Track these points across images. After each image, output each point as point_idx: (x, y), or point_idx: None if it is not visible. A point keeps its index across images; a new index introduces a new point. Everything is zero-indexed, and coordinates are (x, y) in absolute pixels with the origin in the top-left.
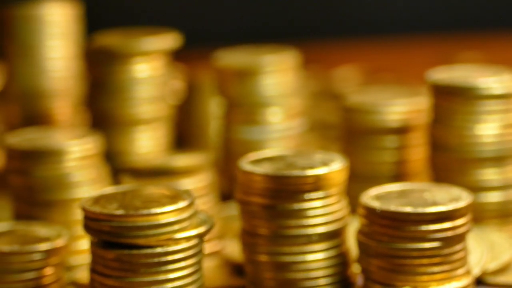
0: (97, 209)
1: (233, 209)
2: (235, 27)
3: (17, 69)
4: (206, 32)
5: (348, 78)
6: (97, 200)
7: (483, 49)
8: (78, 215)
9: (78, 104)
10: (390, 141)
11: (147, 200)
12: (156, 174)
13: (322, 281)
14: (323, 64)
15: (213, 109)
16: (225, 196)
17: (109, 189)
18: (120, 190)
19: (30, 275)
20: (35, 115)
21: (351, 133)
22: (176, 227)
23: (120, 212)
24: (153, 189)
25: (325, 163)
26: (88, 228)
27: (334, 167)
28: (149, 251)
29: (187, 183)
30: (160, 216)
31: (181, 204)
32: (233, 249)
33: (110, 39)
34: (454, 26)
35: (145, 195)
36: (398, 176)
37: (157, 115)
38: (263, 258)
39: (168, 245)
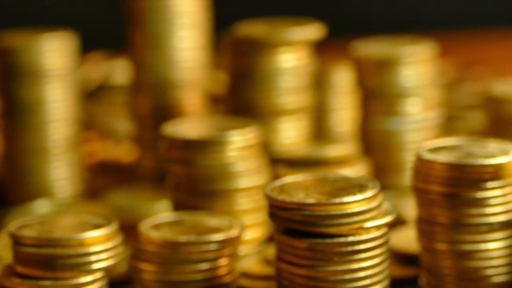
0: (286, 198)
1: None
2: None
3: (147, 60)
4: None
5: (441, 72)
6: (282, 189)
7: None
8: (241, 205)
9: (207, 95)
10: None
11: (334, 188)
12: (311, 164)
13: (501, 270)
14: None
15: (332, 100)
16: None
17: (290, 178)
18: (299, 179)
19: (206, 265)
20: (165, 106)
21: (498, 123)
22: (367, 215)
23: (311, 201)
24: (334, 177)
25: (504, 152)
26: (275, 217)
27: None
28: (342, 239)
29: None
30: (352, 205)
31: (370, 192)
32: (397, 238)
33: (255, 29)
34: None
35: (329, 183)
36: None
37: (301, 106)
38: (442, 246)
39: (359, 234)
